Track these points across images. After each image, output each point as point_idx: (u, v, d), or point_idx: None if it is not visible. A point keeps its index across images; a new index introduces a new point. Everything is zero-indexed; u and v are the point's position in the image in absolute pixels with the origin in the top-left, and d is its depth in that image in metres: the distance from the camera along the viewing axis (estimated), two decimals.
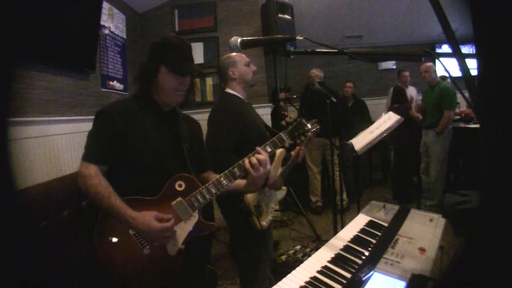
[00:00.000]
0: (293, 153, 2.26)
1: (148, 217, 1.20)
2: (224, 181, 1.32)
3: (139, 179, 1.29)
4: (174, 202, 1.28)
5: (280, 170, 1.98)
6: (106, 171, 1.29)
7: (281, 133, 1.43)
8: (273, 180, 1.77)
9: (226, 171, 1.33)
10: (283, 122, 4.06)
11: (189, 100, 1.47)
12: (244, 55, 1.95)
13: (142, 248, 1.23)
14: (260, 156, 1.32)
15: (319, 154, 4.16)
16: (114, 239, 1.22)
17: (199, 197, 1.30)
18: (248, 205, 1.72)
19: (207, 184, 1.32)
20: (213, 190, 1.32)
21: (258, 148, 1.35)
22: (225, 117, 1.80)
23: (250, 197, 1.73)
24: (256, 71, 1.99)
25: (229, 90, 1.94)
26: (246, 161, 1.32)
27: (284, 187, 2.03)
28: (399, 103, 4.14)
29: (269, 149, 1.38)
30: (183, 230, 1.29)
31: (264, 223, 1.82)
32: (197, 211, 1.31)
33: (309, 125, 1.48)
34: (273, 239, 2.13)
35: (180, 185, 1.31)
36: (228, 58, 1.96)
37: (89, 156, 1.27)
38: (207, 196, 1.31)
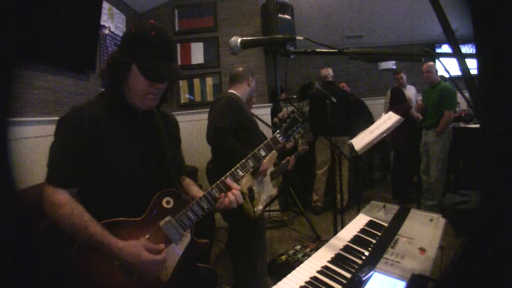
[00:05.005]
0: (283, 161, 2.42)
1: (136, 248, 1.03)
2: (217, 194, 1.18)
3: (119, 198, 1.12)
4: (162, 222, 1.12)
5: (271, 169, 2.16)
6: (78, 191, 1.11)
7: (275, 134, 1.29)
8: (264, 167, 1.99)
9: (217, 182, 1.20)
10: (275, 119, 4.02)
11: (166, 101, 1.25)
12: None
13: (130, 277, 1.08)
14: (235, 193, 1.19)
15: (329, 153, 4.10)
16: (97, 266, 1.06)
17: (190, 214, 1.15)
18: (241, 187, 1.71)
19: (197, 199, 1.16)
20: (205, 206, 1.17)
21: (228, 181, 1.19)
22: (225, 104, 2.04)
23: (243, 180, 1.73)
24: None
25: (233, 90, 2.18)
26: (226, 199, 1.18)
27: (275, 188, 2.15)
28: (398, 104, 4.12)
29: (263, 153, 1.26)
30: (175, 253, 1.15)
31: (255, 209, 1.84)
32: (189, 230, 1.17)
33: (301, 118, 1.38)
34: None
35: (168, 202, 1.15)
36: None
37: (55, 178, 1.06)
38: (199, 213, 1.16)
